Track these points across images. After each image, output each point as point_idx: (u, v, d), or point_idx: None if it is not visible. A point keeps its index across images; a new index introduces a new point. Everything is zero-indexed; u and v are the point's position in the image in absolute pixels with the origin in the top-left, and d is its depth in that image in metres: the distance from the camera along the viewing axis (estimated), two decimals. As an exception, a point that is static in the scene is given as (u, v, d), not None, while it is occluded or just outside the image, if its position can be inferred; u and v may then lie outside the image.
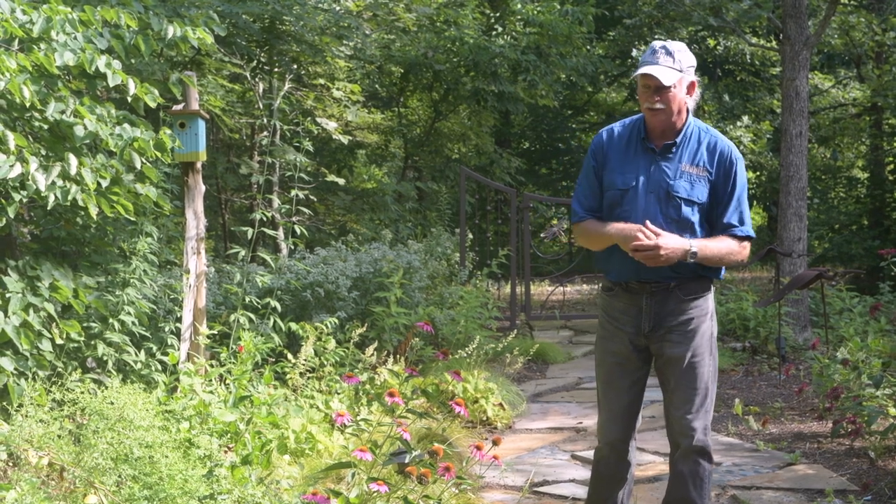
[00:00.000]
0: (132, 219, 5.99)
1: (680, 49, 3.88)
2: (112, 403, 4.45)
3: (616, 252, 3.92)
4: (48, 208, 5.37)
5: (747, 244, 3.94)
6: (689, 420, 3.91)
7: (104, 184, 5.42)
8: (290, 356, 6.43)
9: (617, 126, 4.11)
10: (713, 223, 3.92)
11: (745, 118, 20.13)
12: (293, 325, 6.80)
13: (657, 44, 3.91)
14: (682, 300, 3.92)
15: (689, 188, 3.87)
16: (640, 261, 3.75)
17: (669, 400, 4.00)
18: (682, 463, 3.97)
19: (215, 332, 6.32)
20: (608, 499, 4.13)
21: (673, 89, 3.83)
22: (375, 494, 3.32)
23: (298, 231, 6.84)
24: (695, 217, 3.88)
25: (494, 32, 16.07)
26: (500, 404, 7.18)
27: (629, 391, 4.05)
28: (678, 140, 3.92)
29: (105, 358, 5.72)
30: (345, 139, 13.27)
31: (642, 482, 5.45)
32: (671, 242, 3.70)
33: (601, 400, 4.14)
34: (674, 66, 3.82)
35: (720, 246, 3.85)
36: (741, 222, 3.91)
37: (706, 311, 3.98)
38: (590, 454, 6.21)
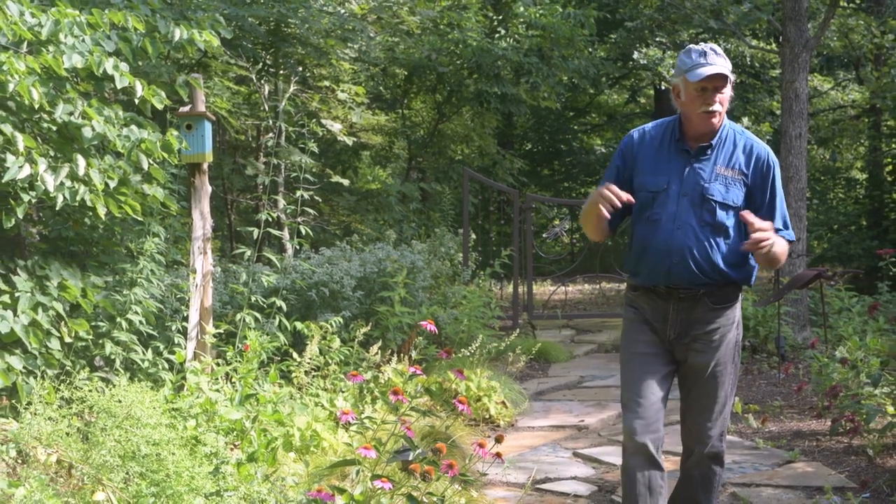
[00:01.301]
0: (139, 219, 6.00)
1: (721, 52, 3.79)
2: (120, 401, 4.46)
3: (646, 255, 3.81)
4: (57, 209, 5.37)
5: (787, 247, 3.82)
6: (707, 428, 3.85)
7: (112, 184, 5.43)
8: (295, 355, 6.44)
9: (648, 127, 4.00)
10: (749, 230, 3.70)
11: (746, 120, 20.11)
12: (298, 325, 6.80)
13: (704, 46, 3.79)
14: (710, 308, 3.79)
15: (725, 191, 3.75)
16: (752, 253, 3.68)
17: (688, 406, 3.93)
18: (695, 467, 3.93)
19: (221, 331, 6.33)
20: None
21: (725, 89, 3.76)
22: (379, 491, 3.32)
23: (304, 231, 6.84)
24: (729, 221, 3.75)
25: (497, 35, 16.06)
26: (503, 402, 7.18)
27: (662, 382, 3.85)
28: (714, 142, 3.81)
29: (113, 356, 5.73)
30: (349, 141, 13.27)
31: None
32: (771, 235, 3.56)
33: (629, 401, 3.86)
34: (726, 65, 3.73)
35: (781, 246, 3.71)
36: (785, 226, 3.82)
37: (733, 320, 3.86)
38: (591, 451, 6.23)
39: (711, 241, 3.72)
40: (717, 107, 3.73)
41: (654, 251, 3.77)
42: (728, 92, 3.76)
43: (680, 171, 3.79)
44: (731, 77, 3.76)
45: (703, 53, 3.72)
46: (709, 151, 3.80)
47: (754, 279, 3.93)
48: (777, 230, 3.71)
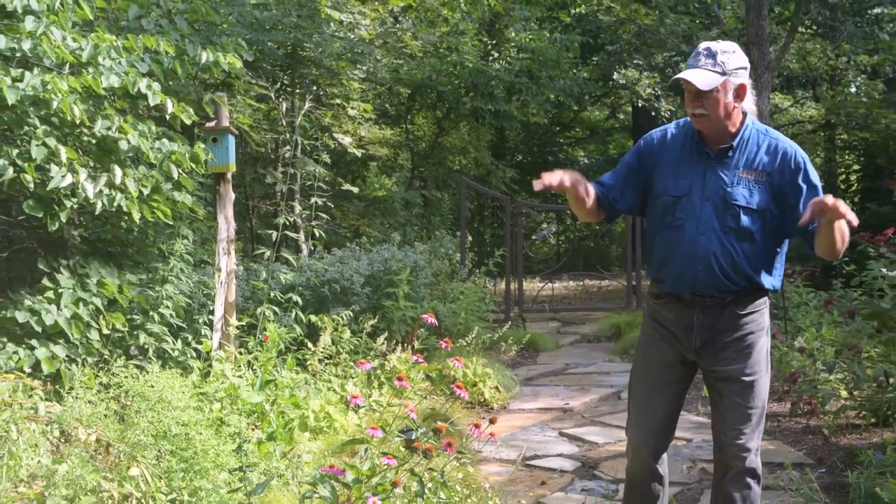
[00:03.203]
0: (170, 223, 6.00)
1: (726, 50, 3.26)
2: (152, 386, 4.46)
3: (670, 262, 3.35)
4: (96, 213, 5.38)
5: None
6: (744, 442, 3.30)
7: (145, 192, 5.44)
8: (310, 345, 6.44)
9: (671, 127, 3.50)
10: (798, 228, 3.23)
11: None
12: (313, 318, 6.80)
13: (702, 45, 3.31)
14: (737, 315, 3.31)
15: (748, 195, 3.25)
16: (816, 235, 3.13)
17: (722, 419, 3.36)
18: (733, 485, 3.34)
19: (244, 323, 6.33)
20: None
21: (716, 94, 3.22)
22: (385, 467, 3.32)
23: (317, 234, 6.84)
24: (755, 226, 3.26)
25: (491, 58, 16.06)
26: (496, 387, 7.18)
27: (671, 402, 3.46)
28: (734, 143, 3.30)
29: (146, 346, 5.73)
30: (358, 152, 13.27)
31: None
32: (840, 204, 2.98)
33: (636, 413, 3.51)
34: (714, 68, 3.22)
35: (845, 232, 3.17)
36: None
37: (762, 326, 3.36)
38: (576, 431, 6.23)
39: (737, 246, 3.25)
40: (699, 111, 3.25)
41: (679, 258, 3.32)
42: (722, 97, 3.24)
43: (702, 175, 3.31)
44: (740, 81, 3.26)
45: (697, 54, 3.29)
46: (730, 154, 3.31)
47: (781, 284, 3.45)
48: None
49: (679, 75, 3.25)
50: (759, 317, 3.35)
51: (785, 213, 3.29)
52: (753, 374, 3.32)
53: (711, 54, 3.24)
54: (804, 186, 3.26)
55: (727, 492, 3.35)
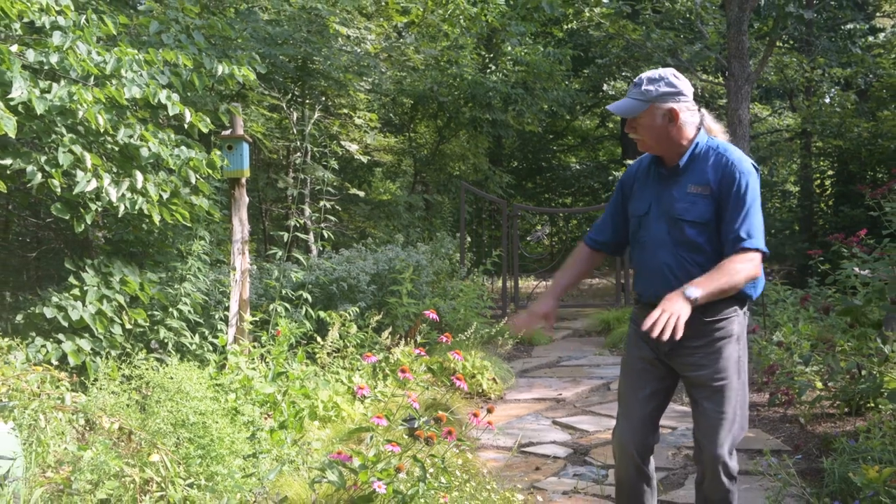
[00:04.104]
0: (188, 225, 6.01)
1: (653, 78, 3.25)
2: (171, 378, 4.46)
3: (640, 274, 3.38)
4: (119, 216, 5.39)
5: (756, 258, 3.14)
6: (715, 448, 3.21)
7: (165, 196, 5.45)
8: (319, 339, 6.44)
9: (646, 156, 3.47)
10: (723, 239, 3.20)
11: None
12: (322, 314, 6.80)
13: (645, 76, 3.29)
14: (703, 322, 3.19)
15: (691, 208, 3.20)
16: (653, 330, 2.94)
17: (697, 423, 3.30)
18: (711, 490, 3.26)
19: (257, 319, 6.33)
20: None
21: (641, 119, 3.24)
22: (390, 454, 3.32)
23: (326, 235, 6.84)
24: (701, 238, 3.20)
25: (489, 70, 16.07)
26: (494, 379, 7.18)
27: (651, 399, 3.38)
28: (681, 162, 3.27)
29: (166, 340, 5.73)
30: (364, 159, 13.28)
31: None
32: (672, 306, 2.96)
33: (620, 410, 3.47)
34: (638, 97, 3.23)
35: (720, 275, 3.07)
36: (749, 235, 3.13)
37: (731, 334, 3.24)
38: (568, 420, 6.22)
39: (688, 257, 3.20)
40: (632, 136, 3.31)
41: (645, 270, 3.34)
42: (650, 122, 3.24)
43: (658, 194, 3.31)
44: (668, 105, 3.22)
45: (635, 84, 3.29)
46: (680, 171, 3.28)
47: (754, 290, 3.28)
48: (738, 239, 3.13)
49: (607, 106, 3.33)
50: (728, 324, 3.24)
51: (722, 224, 3.21)
52: (721, 380, 3.22)
53: (637, 84, 3.26)
54: (733, 198, 3.17)
55: (706, 495, 3.29)
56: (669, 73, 3.28)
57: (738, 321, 3.26)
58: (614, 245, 3.55)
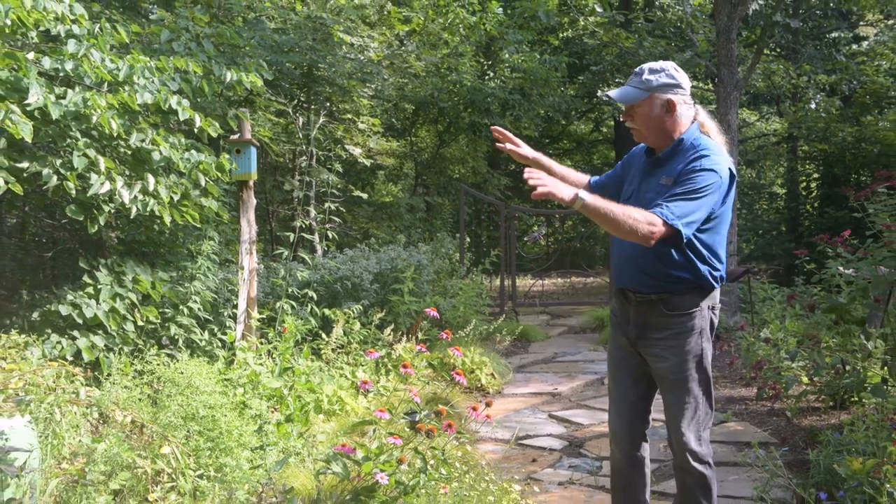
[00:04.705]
0: (198, 226, 6.01)
1: (655, 69, 3.18)
2: (182, 373, 4.47)
3: (616, 258, 3.32)
4: (131, 217, 5.38)
5: (658, 224, 2.92)
6: (681, 436, 3.16)
7: (176, 198, 5.44)
8: (323, 335, 6.44)
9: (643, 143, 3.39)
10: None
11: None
12: (326, 311, 6.80)
13: (645, 66, 3.21)
14: (664, 314, 3.16)
15: (657, 199, 3.05)
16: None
17: (666, 414, 3.25)
18: (687, 476, 3.22)
19: (264, 316, 6.33)
20: (635, 502, 3.41)
21: (639, 108, 3.17)
22: (392, 446, 3.32)
23: (330, 235, 6.84)
24: None
25: (487, 77, 16.05)
26: (492, 374, 7.18)
27: (634, 387, 3.33)
28: (661, 156, 3.19)
29: (176, 337, 5.73)
30: (367, 162, 13.27)
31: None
32: (556, 183, 2.81)
33: (610, 400, 3.43)
34: (638, 86, 3.16)
35: (615, 207, 2.91)
36: (671, 210, 2.95)
37: (693, 329, 3.15)
38: (563, 413, 6.22)
39: (657, 249, 3.05)
40: (629, 124, 3.22)
41: (618, 256, 3.28)
42: (648, 111, 3.17)
43: (639, 182, 3.25)
44: (666, 97, 3.16)
45: (636, 73, 3.20)
46: (660, 162, 3.20)
47: (715, 281, 3.17)
48: (658, 204, 2.98)
49: (607, 92, 3.24)
50: (690, 319, 3.15)
51: None
52: (682, 373, 3.15)
53: (639, 73, 3.18)
54: (681, 181, 3.03)
55: (682, 481, 3.26)
56: (670, 65, 3.22)
57: (700, 315, 3.17)
58: (601, 189, 3.47)
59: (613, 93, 3.18)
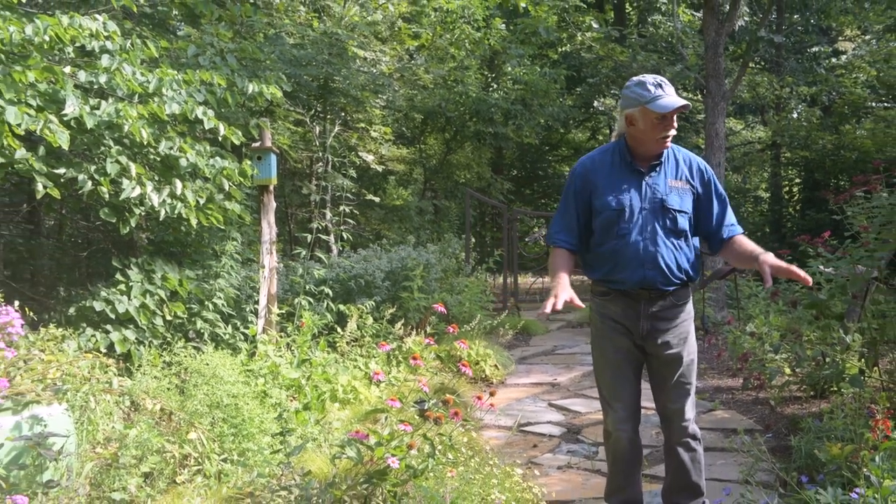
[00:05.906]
0: (222, 227, 6.01)
1: (667, 80, 3.25)
2: (207, 364, 4.47)
3: (619, 266, 3.21)
4: (160, 219, 5.40)
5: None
6: (685, 412, 3.28)
7: (201, 201, 5.45)
8: (339, 330, 6.44)
9: (595, 154, 3.36)
10: (707, 229, 3.30)
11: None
12: (341, 307, 6.80)
13: (658, 78, 3.18)
14: (675, 306, 3.25)
15: (680, 200, 3.20)
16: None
17: (667, 395, 3.30)
18: (683, 450, 3.31)
19: (283, 311, 6.34)
20: (634, 483, 3.43)
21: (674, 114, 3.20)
22: (402, 432, 3.32)
23: (345, 236, 6.85)
24: (686, 225, 3.22)
25: (491, 88, 16.07)
26: (495, 365, 7.18)
27: (634, 382, 3.35)
28: (661, 160, 3.24)
29: (202, 330, 5.74)
30: (379, 168, 13.29)
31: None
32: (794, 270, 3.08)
33: (611, 397, 3.36)
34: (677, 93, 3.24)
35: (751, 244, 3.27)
36: (738, 222, 3.35)
37: (690, 315, 3.33)
38: (562, 402, 6.21)
39: (676, 244, 3.20)
40: (673, 132, 3.19)
41: (628, 261, 3.19)
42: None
43: (638, 189, 3.20)
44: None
45: (660, 85, 3.15)
46: (658, 168, 3.23)
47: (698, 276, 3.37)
48: (733, 225, 3.31)
49: (675, 104, 3.09)
50: (689, 306, 3.31)
51: (698, 218, 3.29)
52: (689, 355, 3.29)
53: (663, 84, 3.17)
54: (715, 196, 3.29)
55: (678, 456, 3.32)
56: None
57: (691, 303, 3.35)
58: (579, 245, 3.37)
59: (682, 102, 3.13)
